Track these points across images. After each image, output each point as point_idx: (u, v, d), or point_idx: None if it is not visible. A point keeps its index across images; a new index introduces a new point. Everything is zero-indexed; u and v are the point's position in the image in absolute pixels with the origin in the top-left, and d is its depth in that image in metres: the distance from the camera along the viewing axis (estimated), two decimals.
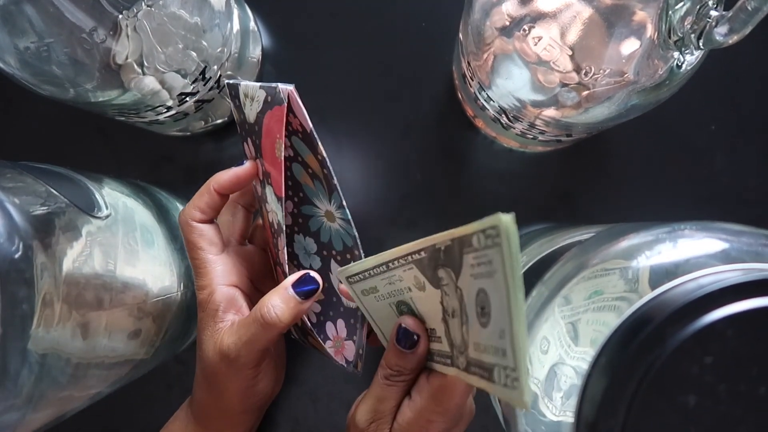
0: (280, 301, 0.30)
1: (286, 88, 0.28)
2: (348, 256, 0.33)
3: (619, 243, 0.24)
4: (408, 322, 0.29)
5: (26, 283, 0.23)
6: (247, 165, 0.33)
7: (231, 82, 0.32)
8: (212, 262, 0.33)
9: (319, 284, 0.31)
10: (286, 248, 0.31)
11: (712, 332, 0.17)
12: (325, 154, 0.30)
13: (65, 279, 0.25)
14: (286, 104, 0.28)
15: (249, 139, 0.32)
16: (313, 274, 0.31)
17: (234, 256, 0.34)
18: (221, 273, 0.33)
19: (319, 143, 0.30)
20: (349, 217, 0.32)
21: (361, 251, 0.33)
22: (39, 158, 0.32)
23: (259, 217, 0.39)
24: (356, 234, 0.33)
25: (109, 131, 0.47)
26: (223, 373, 0.32)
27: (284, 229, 0.31)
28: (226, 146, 0.47)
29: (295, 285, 0.31)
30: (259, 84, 0.30)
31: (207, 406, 0.34)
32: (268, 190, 0.31)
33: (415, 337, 0.29)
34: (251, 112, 0.31)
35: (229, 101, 0.33)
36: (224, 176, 0.33)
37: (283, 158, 0.29)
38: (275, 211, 0.31)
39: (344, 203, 0.32)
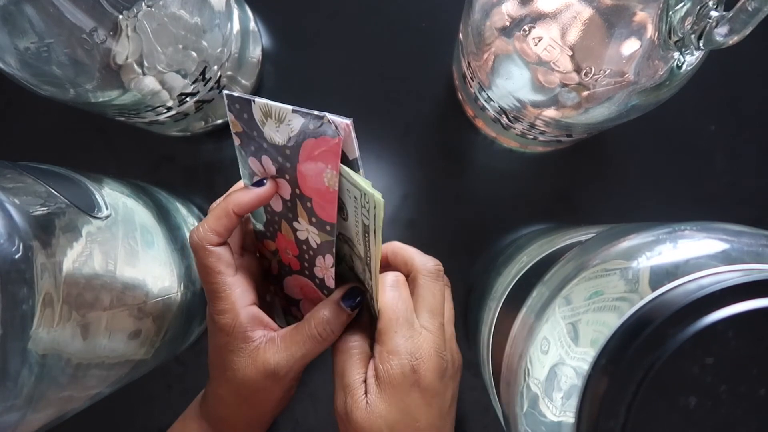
0: (332, 316, 0.31)
1: (343, 122, 0.27)
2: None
3: (620, 244, 0.24)
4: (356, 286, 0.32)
5: (26, 284, 0.23)
6: (269, 186, 0.32)
7: (234, 94, 0.30)
8: (231, 285, 0.32)
9: (364, 294, 0.32)
10: (333, 266, 0.32)
11: (712, 333, 0.17)
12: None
13: (65, 279, 0.25)
14: (341, 138, 0.27)
15: (266, 157, 0.31)
16: (357, 285, 0.32)
17: (244, 272, 0.33)
18: (240, 295, 0.32)
19: (361, 170, 0.30)
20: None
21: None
22: (39, 158, 0.32)
23: (250, 223, 0.38)
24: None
25: (109, 131, 0.47)
26: (267, 389, 0.32)
27: (334, 252, 0.31)
28: (226, 146, 0.47)
29: (345, 299, 0.32)
30: (291, 107, 0.28)
31: (234, 420, 0.34)
32: (302, 209, 0.31)
33: (360, 298, 0.32)
34: (277, 133, 0.30)
35: (228, 112, 0.31)
36: (244, 198, 0.31)
37: (336, 189, 0.29)
38: (311, 232, 0.31)
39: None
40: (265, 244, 0.36)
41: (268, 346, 0.31)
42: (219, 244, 0.32)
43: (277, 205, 0.32)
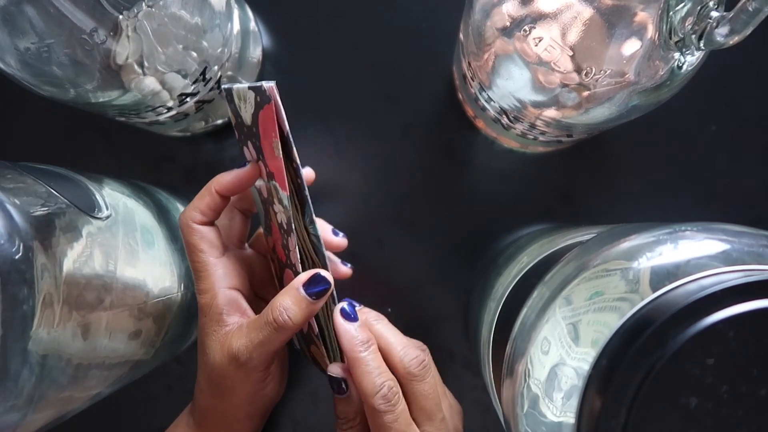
0: (291, 303, 0.30)
1: (269, 86, 0.28)
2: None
3: (620, 244, 0.24)
4: (334, 370, 0.32)
5: (27, 284, 0.23)
6: (249, 167, 0.33)
7: (227, 86, 0.32)
8: (213, 264, 0.32)
9: (330, 283, 0.31)
10: (297, 247, 0.31)
11: (713, 334, 0.17)
12: (299, 162, 0.30)
13: (66, 279, 0.25)
14: (273, 102, 0.28)
15: (249, 142, 0.32)
16: (323, 273, 0.31)
17: (234, 259, 0.34)
18: (222, 276, 0.32)
19: (294, 149, 0.29)
20: (319, 233, 0.32)
21: (329, 271, 0.32)
22: (39, 159, 0.32)
23: (259, 226, 0.38)
24: (325, 253, 0.33)
25: (109, 132, 0.47)
26: (232, 376, 0.31)
27: (293, 228, 0.30)
28: (227, 146, 0.47)
29: (306, 285, 0.30)
30: (247, 84, 0.29)
31: (211, 413, 0.34)
32: (276, 189, 0.31)
33: (343, 384, 0.32)
34: (246, 114, 0.31)
35: (228, 104, 0.33)
36: (226, 177, 0.33)
37: (282, 156, 0.29)
38: (283, 211, 0.31)
39: (314, 218, 0.32)
40: (268, 243, 0.36)
41: (235, 331, 0.31)
42: (203, 223, 0.33)
43: (264, 192, 0.33)
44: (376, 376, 0.29)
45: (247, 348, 0.30)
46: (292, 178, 0.31)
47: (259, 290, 0.36)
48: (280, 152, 0.29)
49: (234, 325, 0.32)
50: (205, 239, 0.33)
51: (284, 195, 0.30)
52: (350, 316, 0.30)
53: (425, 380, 0.30)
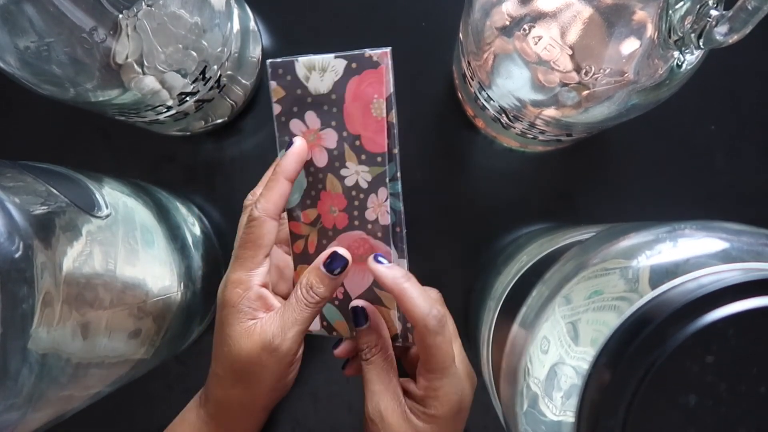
0: (316, 280, 0.32)
1: (383, 52, 0.32)
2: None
3: (619, 243, 0.24)
4: (357, 302, 0.35)
5: (26, 283, 0.23)
6: (303, 141, 0.34)
7: (278, 60, 0.34)
8: (260, 262, 0.33)
9: (348, 260, 0.33)
10: (387, 200, 0.34)
11: (712, 332, 0.17)
12: (395, 121, 0.34)
13: (65, 278, 0.25)
14: (385, 65, 0.32)
15: (310, 112, 0.34)
16: (341, 251, 0.33)
17: (271, 259, 0.35)
18: (262, 274, 0.33)
19: (394, 109, 0.33)
20: (400, 189, 0.34)
21: (404, 227, 0.35)
22: (39, 158, 0.32)
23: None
24: (402, 208, 0.35)
25: (109, 131, 0.47)
26: (262, 363, 0.32)
27: (386, 182, 0.34)
28: (226, 146, 0.47)
29: (327, 264, 0.33)
30: (333, 54, 0.33)
31: (228, 404, 0.34)
32: (354, 150, 0.34)
33: (363, 317, 0.34)
34: (321, 83, 0.33)
35: (270, 81, 0.34)
36: (290, 162, 0.33)
37: (385, 116, 0.33)
38: (368, 170, 0.34)
39: (399, 175, 0.34)
40: (304, 217, 0.36)
41: (266, 320, 0.32)
42: (275, 218, 0.33)
43: (322, 160, 0.34)
44: (424, 300, 0.31)
45: (282, 329, 0.32)
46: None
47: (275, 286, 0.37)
48: (383, 112, 0.33)
49: (261, 319, 0.33)
50: (270, 235, 0.33)
51: (378, 154, 0.33)
52: (382, 263, 0.33)
53: (442, 334, 0.32)
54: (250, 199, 0.37)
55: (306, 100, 0.34)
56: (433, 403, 0.32)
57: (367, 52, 0.32)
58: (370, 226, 0.34)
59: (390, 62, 0.33)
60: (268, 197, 0.33)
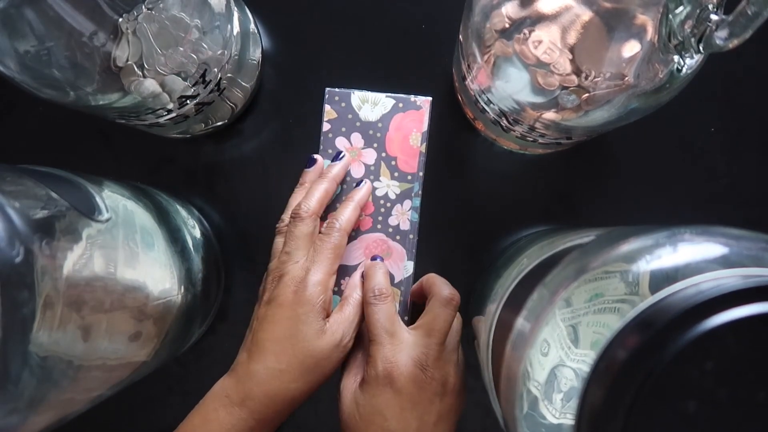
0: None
1: (426, 99, 0.43)
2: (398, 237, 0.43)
3: (620, 247, 0.24)
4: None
5: (27, 287, 0.23)
6: (348, 156, 0.42)
7: (336, 90, 0.43)
8: (336, 270, 0.39)
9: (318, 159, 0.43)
10: (410, 210, 0.42)
11: (712, 338, 0.17)
12: (425, 151, 0.43)
13: (66, 282, 0.25)
14: (426, 109, 0.43)
15: (355, 134, 0.43)
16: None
17: None
18: (334, 279, 0.39)
19: (426, 142, 0.43)
20: (419, 205, 0.43)
21: (416, 235, 0.43)
22: (39, 161, 0.32)
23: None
24: (418, 220, 0.43)
25: (109, 134, 0.47)
26: (331, 359, 0.36)
27: (412, 195, 0.42)
28: (227, 148, 0.47)
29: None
30: (384, 94, 0.43)
31: (284, 398, 0.36)
32: (388, 167, 0.43)
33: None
34: (372, 113, 0.43)
35: (325, 104, 0.43)
36: (339, 169, 0.42)
37: (419, 146, 0.42)
38: (398, 185, 0.43)
39: (420, 192, 0.43)
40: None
41: (332, 320, 0.37)
42: (317, 216, 0.40)
43: (359, 172, 0.43)
44: (448, 286, 0.39)
45: (349, 329, 0.37)
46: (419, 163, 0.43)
47: None
48: (419, 143, 0.43)
49: (328, 319, 0.37)
50: (344, 249, 0.39)
51: (409, 173, 0.43)
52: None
53: (445, 308, 0.37)
54: (284, 222, 0.41)
55: (355, 124, 0.43)
56: (365, 366, 0.37)
57: (413, 97, 0.43)
58: (391, 229, 0.43)
59: (429, 108, 0.43)
60: (344, 215, 0.39)
